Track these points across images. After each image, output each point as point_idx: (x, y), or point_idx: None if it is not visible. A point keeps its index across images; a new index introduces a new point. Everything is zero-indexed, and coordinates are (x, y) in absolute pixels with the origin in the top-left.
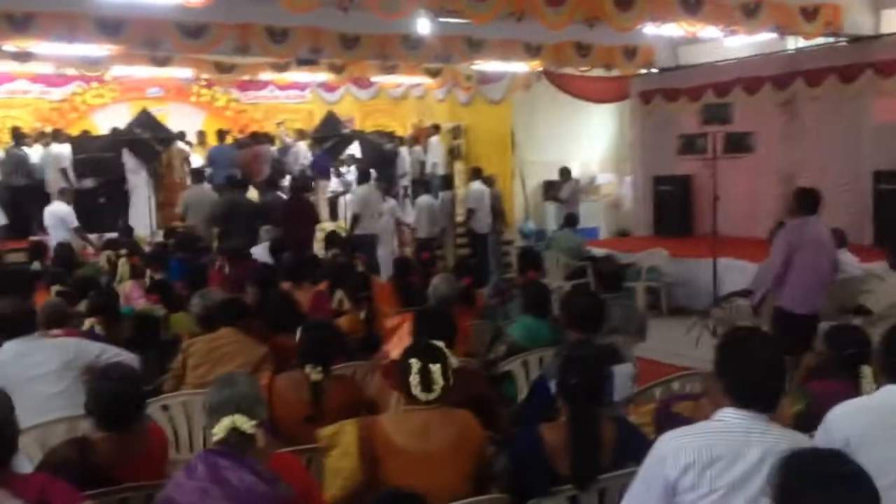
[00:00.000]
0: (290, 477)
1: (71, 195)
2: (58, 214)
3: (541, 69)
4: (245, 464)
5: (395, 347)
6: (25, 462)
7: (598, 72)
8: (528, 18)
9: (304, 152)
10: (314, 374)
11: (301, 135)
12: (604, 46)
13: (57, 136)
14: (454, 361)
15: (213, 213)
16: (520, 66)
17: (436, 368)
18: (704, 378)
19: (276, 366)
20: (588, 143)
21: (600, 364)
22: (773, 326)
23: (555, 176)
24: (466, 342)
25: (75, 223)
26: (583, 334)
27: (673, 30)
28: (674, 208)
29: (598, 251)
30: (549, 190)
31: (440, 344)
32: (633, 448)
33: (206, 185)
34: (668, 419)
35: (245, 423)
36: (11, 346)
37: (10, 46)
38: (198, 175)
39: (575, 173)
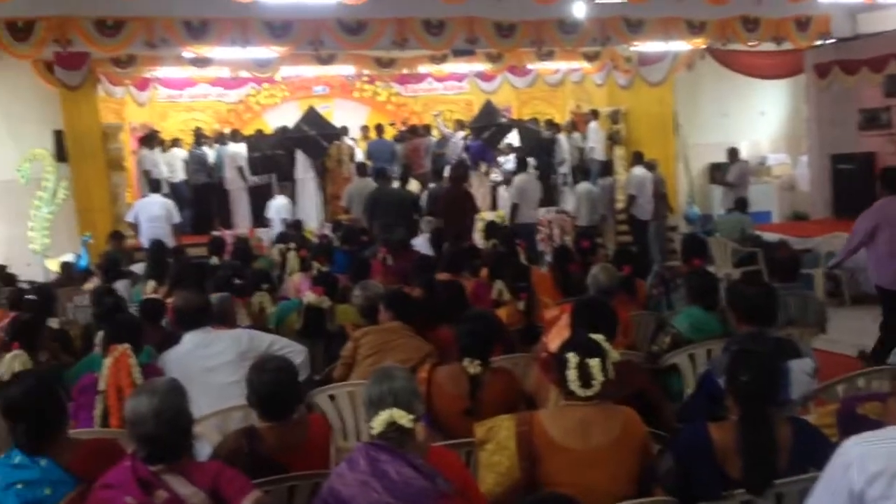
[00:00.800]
0: (449, 471)
1: (289, 189)
2: (276, 206)
3: (704, 47)
4: (404, 458)
5: (554, 339)
6: (206, 446)
7: (768, 46)
8: None
9: (462, 142)
10: (472, 367)
11: (460, 125)
12: (773, 19)
13: (235, 136)
14: (615, 355)
15: (364, 204)
16: (682, 45)
17: (594, 363)
18: (895, 375)
19: (440, 357)
20: (757, 122)
21: (774, 360)
22: None
23: (721, 158)
24: (628, 334)
25: (287, 216)
26: (754, 327)
27: None
28: (855, 188)
29: (771, 236)
30: (715, 173)
31: (599, 337)
32: (813, 451)
33: (369, 179)
34: (852, 421)
35: (403, 418)
36: (190, 337)
37: (189, 53)
38: (361, 169)
39: (743, 154)
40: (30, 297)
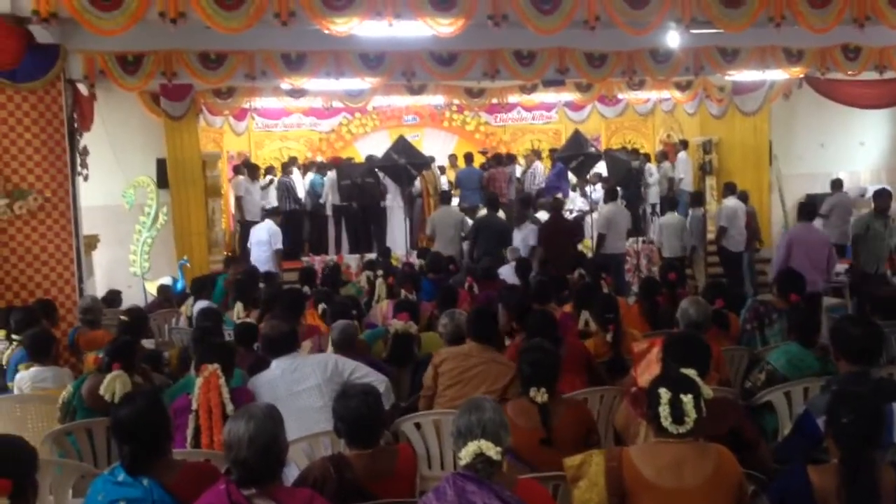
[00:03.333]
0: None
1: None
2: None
3: (802, 76)
4: (492, 489)
5: (644, 373)
6: (294, 470)
7: (869, 74)
8: (789, 23)
9: (541, 172)
10: (539, 396)
11: (536, 155)
12: (875, 47)
13: (334, 164)
14: (708, 391)
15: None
16: (778, 74)
17: (687, 399)
18: None
19: None
20: (857, 152)
21: (877, 401)
22: None
23: (817, 189)
24: (720, 369)
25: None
26: (856, 366)
27: None
28: None
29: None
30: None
31: (692, 372)
32: None
33: (453, 207)
34: None
35: (491, 449)
36: (279, 363)
37: (287, 84)
38: (444, 197)
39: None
40: (122, 317)
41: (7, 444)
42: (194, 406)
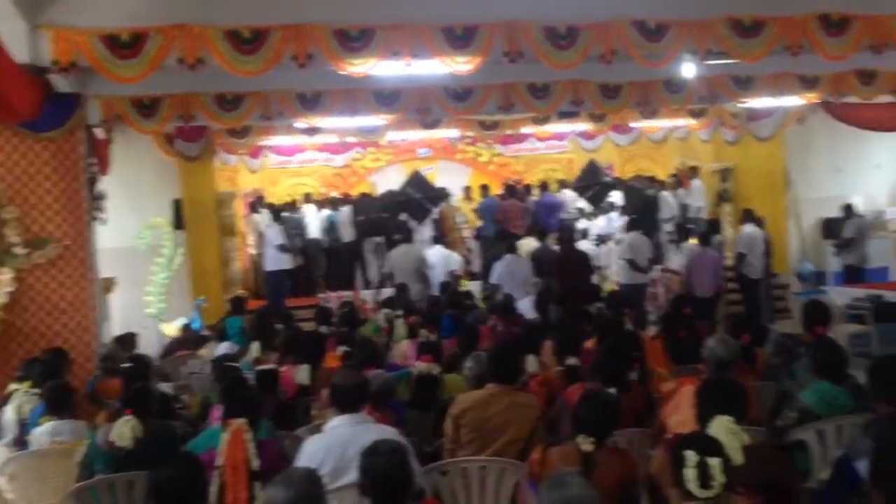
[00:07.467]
0: None
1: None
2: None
3: (818, 101)
4: None
5: (672, 413)
6: None
7: (885, 98)
8: (805, 51)
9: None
10: (585, 444)
11: (562, 185)
12: (891, 71)
13: (345, 200)
14: (746, 438)
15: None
16: (793, 101)
17: (715, 463)
18: None
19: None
20: (873, 175)
21: None
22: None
23: (834, 213)
24: (752, 408)
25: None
26: None
27: None
28: None
29: (891, 295)
30: (828, 228)
31: (729, 420)
32: None
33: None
34: None
35: None
36: (344, 423)
37: (302, 123)
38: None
39: (859, 209)
40: (126, 365)
41: None
42: (219, 462)
